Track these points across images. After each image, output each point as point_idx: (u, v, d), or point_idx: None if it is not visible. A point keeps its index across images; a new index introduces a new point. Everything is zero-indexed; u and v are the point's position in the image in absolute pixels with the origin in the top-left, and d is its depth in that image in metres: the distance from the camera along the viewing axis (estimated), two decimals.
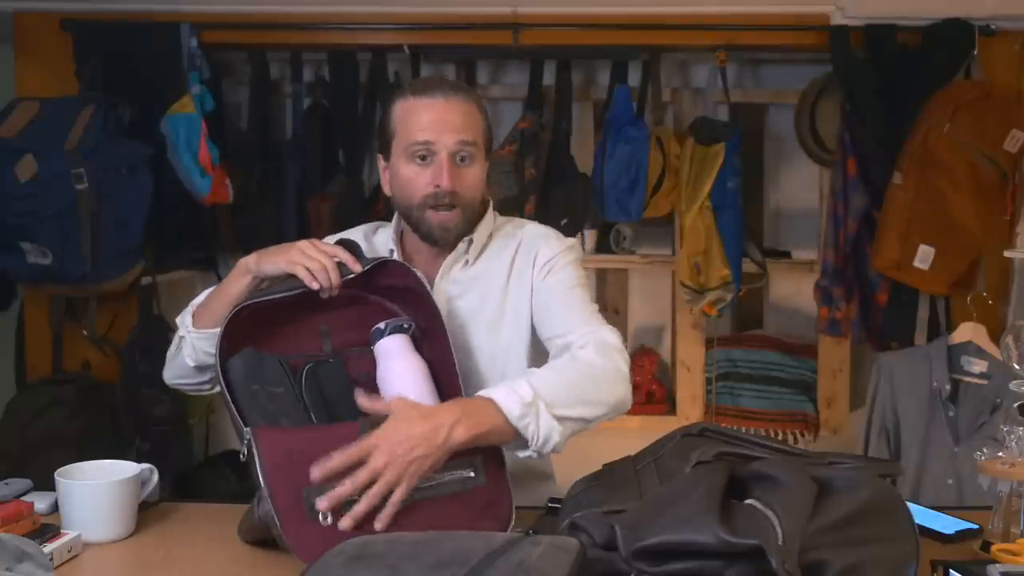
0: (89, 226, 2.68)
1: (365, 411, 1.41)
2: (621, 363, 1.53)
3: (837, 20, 2.94)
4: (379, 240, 1.75)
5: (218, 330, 1.48)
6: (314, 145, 3.13)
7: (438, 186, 1.60)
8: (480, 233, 1.69)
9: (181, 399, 2.95)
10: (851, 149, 2.93)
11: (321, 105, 3.21)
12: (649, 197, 3.02)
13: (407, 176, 1.62)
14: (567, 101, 3.11)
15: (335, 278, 1.48)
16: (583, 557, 1.08)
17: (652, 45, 3.04)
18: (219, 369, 1.41)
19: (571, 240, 1.75)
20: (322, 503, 1.30)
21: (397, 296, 1.58)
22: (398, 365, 1.50)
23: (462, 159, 1.61)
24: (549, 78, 3.13)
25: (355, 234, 1.73)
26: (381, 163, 1.70)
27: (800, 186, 3.40)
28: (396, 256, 1.69)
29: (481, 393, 1.43)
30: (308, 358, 1.50)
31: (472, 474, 1.41)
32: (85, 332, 3.03)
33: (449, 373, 1.52)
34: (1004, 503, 1.41)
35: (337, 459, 1.31)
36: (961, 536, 1.44)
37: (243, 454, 1.34)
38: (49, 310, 3.02)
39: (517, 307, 1.69)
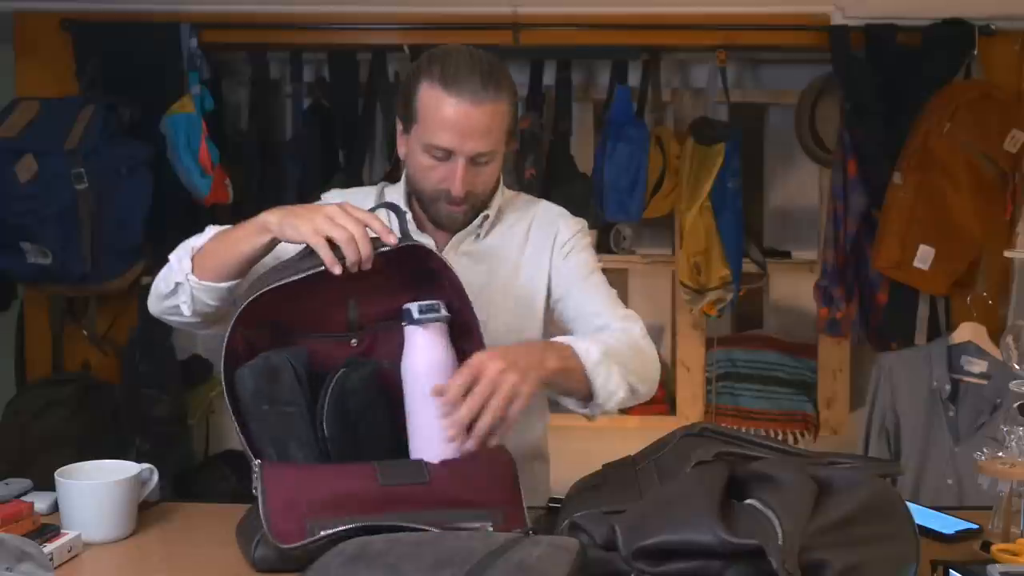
0: (89, 226, 2.67)
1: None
2: (655, 350, 1.57)
3: (837, 20, 2.94)
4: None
5: (223, 284, 1.43)
6: (314, 145, 3.13)
7: (450, 190, 1.57)
8: (492, 207, 1.68)
9: (181, 399, 2.95)
10: (851, 149, 2.93)
11: (321, 105, 3.20)
12: (649, 197, 3.02)
13: (423, 165, 1.57)
14: (567, 101, 3.11)
15: (365, 250, 1.32)
16: (583, 557, 1.08)
17: (652, 45, 3.04)
18: (225, 382, 1.32)
19: (584, 221, 1.76)
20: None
21: (432, 281, 1.46)
22: (427, 357, 1.37)
23: (479, 161, 1.57)
24: (549, 78, 3.12)
25: (362, 194, 1.69)
26: (399, 126, 1.62)
27: (800, 186, 3.39)
28: (408, 218, 1.60)
29: (555, 339, 1.44)
30: (334, 341, 1.40)
31: (491, 527, 1.30)
32: (85, 332, 3.03)
33: None
34: (1004, 503, 1.41)
35: (453, 385, 1.27)
36: (961, 536, 1.43)
37: (255, 489, 1.28)
38: (49, 310, 3.02)
39: (532, 282, 1.68)
